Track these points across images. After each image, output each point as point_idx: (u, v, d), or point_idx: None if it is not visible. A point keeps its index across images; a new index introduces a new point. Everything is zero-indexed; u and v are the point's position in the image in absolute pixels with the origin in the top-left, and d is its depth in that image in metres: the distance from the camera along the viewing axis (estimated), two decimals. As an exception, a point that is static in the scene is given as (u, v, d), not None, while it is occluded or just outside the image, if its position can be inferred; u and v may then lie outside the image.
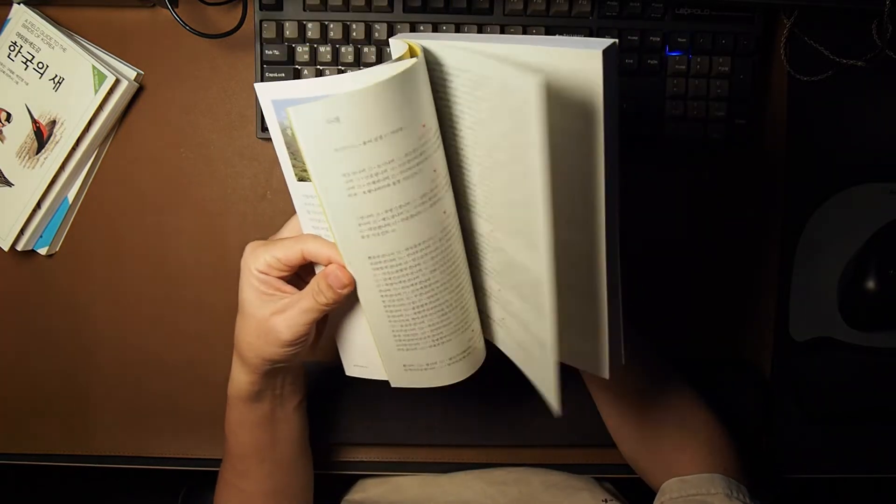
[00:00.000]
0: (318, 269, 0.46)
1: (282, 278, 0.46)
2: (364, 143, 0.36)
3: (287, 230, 0.47)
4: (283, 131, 0.40)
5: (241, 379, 0.50)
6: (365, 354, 0.49)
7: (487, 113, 0.38)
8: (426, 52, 0.40)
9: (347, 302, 0.45)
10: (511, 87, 0.34)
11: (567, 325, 0.43)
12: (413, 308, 0.44)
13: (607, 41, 0.35)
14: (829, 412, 0.69)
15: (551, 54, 0.36)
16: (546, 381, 0.43)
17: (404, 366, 0.48)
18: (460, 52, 0.38)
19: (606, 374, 0.45)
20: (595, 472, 0.68)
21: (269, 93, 0.39)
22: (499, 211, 0.41)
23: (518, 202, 0.38)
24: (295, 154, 0.41)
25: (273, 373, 0.49)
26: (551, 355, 0.40)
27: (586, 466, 0.68)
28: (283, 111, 0.39)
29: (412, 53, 0.39)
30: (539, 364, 0.43)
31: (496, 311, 0.48)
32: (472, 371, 0.49)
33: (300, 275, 0.47)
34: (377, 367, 0.49)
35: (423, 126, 0.38)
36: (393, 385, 0.50)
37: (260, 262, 0.45)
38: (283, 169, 0.42)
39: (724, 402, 0.65)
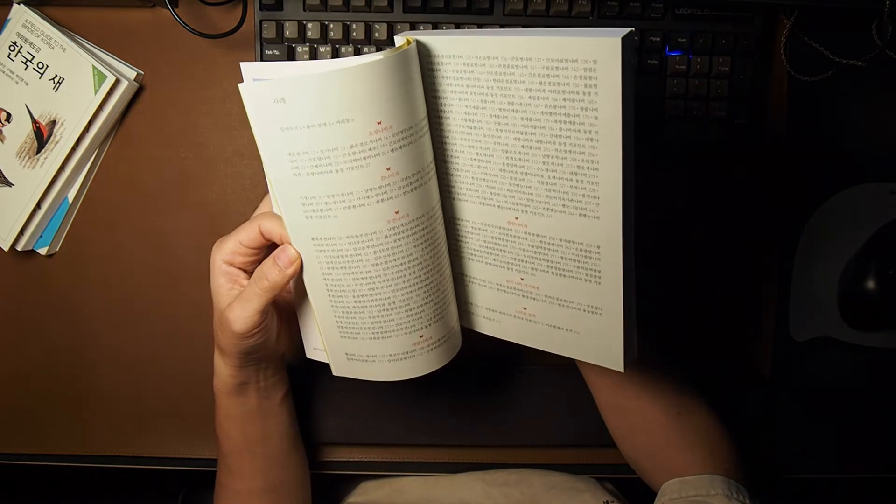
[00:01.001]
0: None
1: (250, 265, 0.47)
2: (308, 126, 0.38)
3: (257, 211, 0.49)
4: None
5: (221, 372, 0.51)
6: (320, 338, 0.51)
7: (524, 94, 0.39)
8: (422, 46, 0.40)
9: (302, 286, 0.46)
10: (573, 57, 0.36)
11: (581, 318, 0.43)
12: (353, 297, 0.45)
13: (624, 29, 0.36)
14: (829, 412, 0.69)
15: (568, 44, 0.37)
16: (611, 341, 0.45)
17: (346, 354, 0.49)
18: (485, 43, 0.39)
19: (622, 367, 0.46)
20: (595, 472, 0.68)
21: (252, 71, 0.41)
22: (534, 193, 0.42)
23: (565, 175, 0.40)
24: None
25: (249, 364, 0.50)
26: (619, 312, 0.43)
27: (586, 466, 0.68)
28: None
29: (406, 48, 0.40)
30: (595, 332, 0.45)
31: (511, 306, 0.48)
32: (417, 374, 0.49)
33: None
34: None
35: (379, 123, 0.39)
36: (335, 373, 0.51)
37: (225, 251, 0.46)
38: (260, 150, 0.43)
39: (724, 402, 0.65)
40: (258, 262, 0.46)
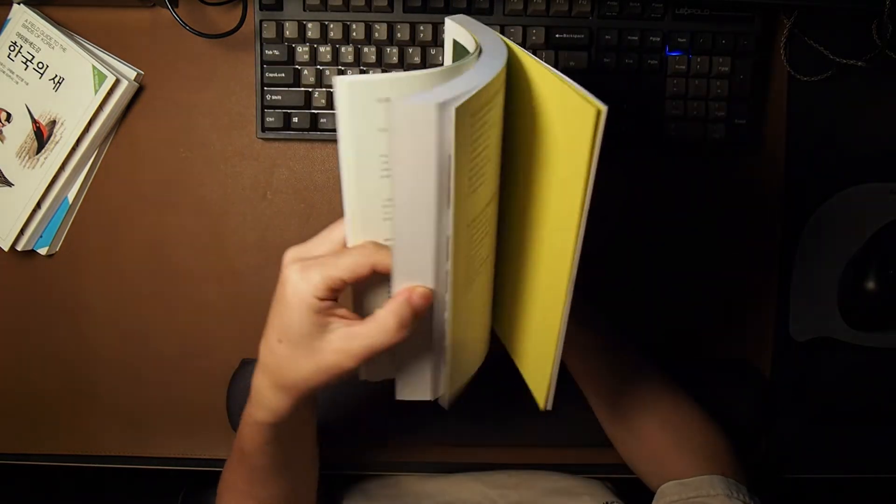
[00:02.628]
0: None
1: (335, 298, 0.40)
2: None
3: (324, 243, 0.41)
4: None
5: (279, 406, 0.45)
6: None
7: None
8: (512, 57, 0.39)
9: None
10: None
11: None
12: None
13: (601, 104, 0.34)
14: (829, 412, 0.69)
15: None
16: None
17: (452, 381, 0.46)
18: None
19: (540, 405, 0.45)
20: (595, 472, 0.68)
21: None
22: None
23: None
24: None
25: (312, 395, 0.46)
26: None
27: (586, 466, 0.68)
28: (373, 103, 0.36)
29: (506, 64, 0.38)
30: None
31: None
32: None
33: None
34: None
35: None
36: (445, 405, 0.47)
37: (318, 287, 0.38)
38: (346, 154, 0.38)
39: (724, 402, 0.65)
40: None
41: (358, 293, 0.42)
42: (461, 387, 0.48)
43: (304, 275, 0.39)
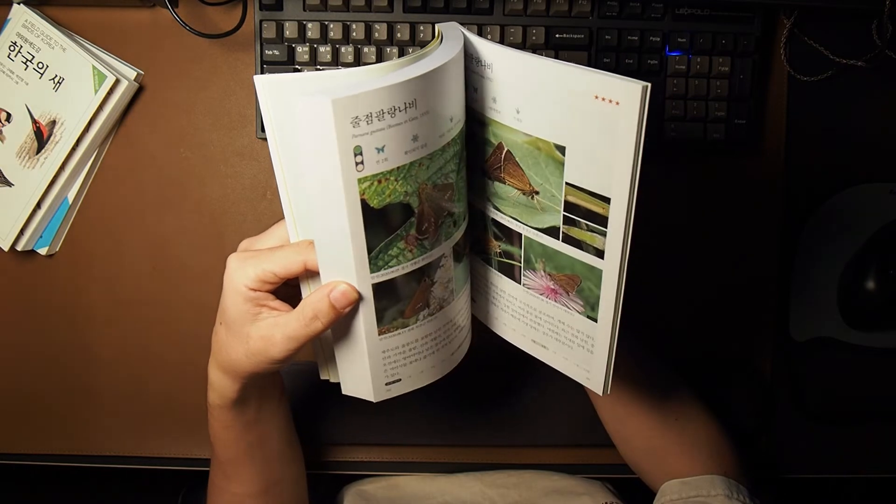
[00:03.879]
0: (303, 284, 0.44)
1: (271, 290, 0.43)
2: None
3: (271, 238, 0.44)
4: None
5: (225, 388, 0.48)
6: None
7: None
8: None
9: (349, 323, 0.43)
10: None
11: (572, 341, 0.45)
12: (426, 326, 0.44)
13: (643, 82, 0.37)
14: (829, 412, 0.69)
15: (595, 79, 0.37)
16: (597, 373, 0.46)
17: (386, 387, 0.47)
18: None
19: (600, 391, 0.46)
20: (595, 472, 0.68)
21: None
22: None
23: None
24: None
25: (258, 379, 0.48)
26: (605, 356, 0.44)
27: (586, 466, 0.68)
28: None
29: None
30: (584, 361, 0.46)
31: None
32: (446, 372, 0.48)
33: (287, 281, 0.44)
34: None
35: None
36: (376, 401, 0.47)
37: (250, 277, 0.41)
38: (279, 169, 0.39)
39: (724, 402, 0.65)
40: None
41: (306, 289, 0.44)
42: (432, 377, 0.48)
43: (240, 265, 0.42)
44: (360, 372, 0.45)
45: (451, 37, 0.40)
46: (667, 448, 0.58)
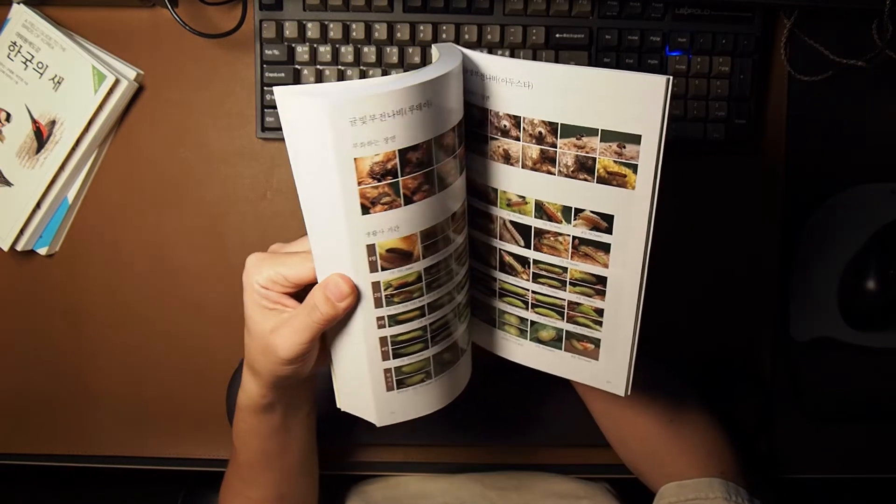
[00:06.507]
0: None
1: (285, 293, 0.44)
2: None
3: (299, 246, 0.45)
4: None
5: (252, 391, 0.48)
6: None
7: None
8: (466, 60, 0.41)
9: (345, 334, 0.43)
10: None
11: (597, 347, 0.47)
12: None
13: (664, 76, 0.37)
14: (829, 412, 0.69)
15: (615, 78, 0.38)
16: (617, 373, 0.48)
17: (391, 411, 0.48)
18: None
19: (622, 392, 0.48)
20: (595, 472, 0.68)
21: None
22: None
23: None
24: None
25: (283, 385, 0.48)
26: (627, 353, 0.47)
27: (586, 466, 0.68)
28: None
29: None
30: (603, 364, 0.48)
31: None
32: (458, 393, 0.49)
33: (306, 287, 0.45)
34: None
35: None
36: (379, 425, 0.48)
37: (263, 276, 0.43)
38: (299, 178, 0.39)
39: (724, 402, 0.65)
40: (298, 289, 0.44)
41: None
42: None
43: (256, 263, 0.43)
44: (364, 390, 0.46)
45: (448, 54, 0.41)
46: (664, 450, 0.58)
